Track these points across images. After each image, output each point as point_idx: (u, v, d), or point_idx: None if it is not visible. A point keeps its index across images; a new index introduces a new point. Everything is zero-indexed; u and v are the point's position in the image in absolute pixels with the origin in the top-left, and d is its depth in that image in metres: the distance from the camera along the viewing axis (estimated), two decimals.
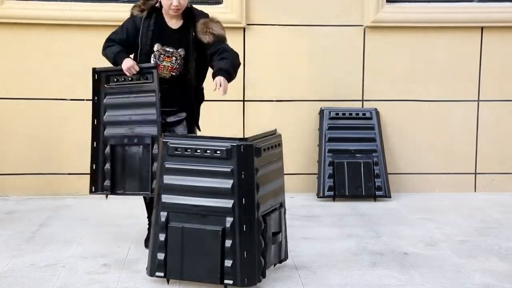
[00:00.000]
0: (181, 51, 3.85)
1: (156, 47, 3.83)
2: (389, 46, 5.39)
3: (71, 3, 5.19)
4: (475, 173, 5.51)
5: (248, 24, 5.28)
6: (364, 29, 5.35)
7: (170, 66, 3.85)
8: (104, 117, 4.07)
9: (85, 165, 5.32)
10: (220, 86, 3.68)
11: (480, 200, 5.27)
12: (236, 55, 3.89)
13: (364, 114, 5.33)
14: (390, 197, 5.17)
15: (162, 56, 3.84)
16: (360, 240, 4.15)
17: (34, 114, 5.23)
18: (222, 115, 5.29)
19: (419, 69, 5.43)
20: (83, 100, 5.25)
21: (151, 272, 3.36)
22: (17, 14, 5.15)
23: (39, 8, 5.16)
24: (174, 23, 3.87)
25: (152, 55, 3.83)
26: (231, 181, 3.21)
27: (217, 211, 3.24)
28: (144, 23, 3.83)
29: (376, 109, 5.35)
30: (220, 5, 5.28)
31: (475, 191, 5.51)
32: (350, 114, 5.33)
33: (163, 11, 3.86)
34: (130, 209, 4.89)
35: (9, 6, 5.16)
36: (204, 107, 5.30)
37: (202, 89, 4.02)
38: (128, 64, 3.77)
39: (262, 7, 5.30)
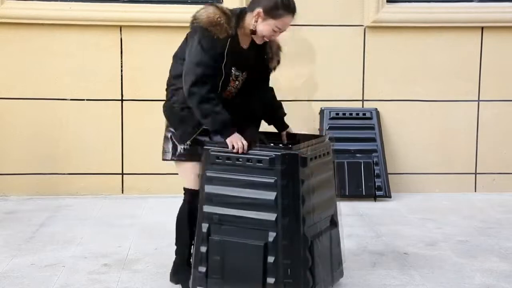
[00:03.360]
0: (245, 74, 3.35)
1: (233, 71, 3.29)
2: (389, 46, 5.39)
3: (71, 3, 5.19)
4: (475, 173, 5.51)
5: None
6: (364, 29, 5.35)
7: (229, 90, 3.32)
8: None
9: (85, 165, 5.35)
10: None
11: (480, 200, 5.27)
12: None
13: (364, 114, 5.33)
14: (390, 197, 5.17)
15: (232, 80, 3.31)
16: (360, 240, 4.15)
17: (34, 114, 5.23)
18: None
19: (419, 69, 5.43)
20: (83, 100, 5.26)
21: (193, 286, 3.18)
22: (17, 14, 5.15)
23: (39, 8, 5.16)
24: (245, 43, 3.34)
25: (232, 76, 3.29)
26: (274, 193, 2.98)
27: (259, 225, 3.02)
28: (229, 47, 3.19)
29: (376, 109, 5.35)
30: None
31: (475, 191, 5.51)
32: (350, 114, 5.33)
33: (240, 31, 3.28)
34: (130, 209, 4.90)
35: (9, 6, 5.16)
36: None
37: None
38: (240, 144, 3.12)
39: None
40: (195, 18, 3.28)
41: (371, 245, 4.10)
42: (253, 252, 3.01)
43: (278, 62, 3.44)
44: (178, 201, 4.78)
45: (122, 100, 5.27)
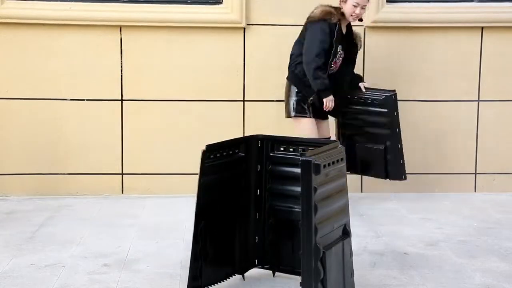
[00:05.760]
0: (342, 53, 4.73)
1: (339, 48, 4.66)
2: (389, 46, 5.39)
3: (71, 3, 5.19)
4: (475, 173, 5.51)
5: (248, 24, 5.28)
6: (364, 29, 5.35)
7: (333, 65, 4.69)
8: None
9: (85, 165, 5.35)
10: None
11: (480, 200, 5.27)
12: None
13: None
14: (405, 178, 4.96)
15: (337, 54, 4.67)
16: (360, 240, 4.15)
17: (34, 114, 5.23)
18: (222, 115, 5.29)
19: (419, 69, 5.43)
20: (83, 100, 5.26)
21: None
22: (17, 14, 5.15)
23: (39, 8, 5.16)
24: (344, 27, 4.73)
25: (337, 54, 4.68)
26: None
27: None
28: (337, 29, 4.57)
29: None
30: (220, 5, 5.28)
31: (475, 191, 5.51)
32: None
33: (340, 18, 4.63)
34: (130, 209, 4.90)
35: (9, 6, 5.16)
36: (204, 107, 5.34)
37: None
38: (330, 102, 4.64)
39: (262, 7, 5.30)
40: (310, 16, 4.71)
41: (371, 245, 4.10)
42: None
43: (361, 46, 4.88)
44: (178, 201, 4.80)
45: (122, 100, 5.27)
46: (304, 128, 4.66)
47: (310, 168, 2.82)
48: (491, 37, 5.42)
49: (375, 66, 5.39)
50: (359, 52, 4.92)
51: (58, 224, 4.53)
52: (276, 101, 5.33)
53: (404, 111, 5.43)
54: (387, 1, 5.36)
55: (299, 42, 4.74)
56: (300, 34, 4.76)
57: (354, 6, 4.57)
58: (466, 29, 5.40)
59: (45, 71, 5.21)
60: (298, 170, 2.85)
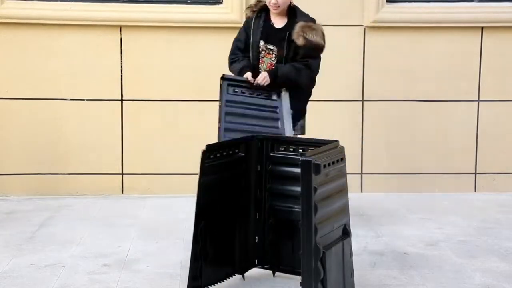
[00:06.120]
0: (280, 50, 4.16)
1: (261, 43, 4.21)
2: (389, 46, 5.39)
3: (71, 3, 5.19)
4: (475, 173, 5.51)
5: None
6: (364, 29, 5.35)
7: (269, 62, 4.21)
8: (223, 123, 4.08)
9: (85, 165, 5.35)
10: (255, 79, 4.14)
11: (480, 200, 5.27)
12: (308, 74, 4.19)
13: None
14: None
15: (263, 52, 4.22)
16: (360, 240, 4.15)
17: (34, 114, 5.23)
18: None
19: (419, 69, 5.43)
20: (83, 100, 5.26)
21: None
22: (17, 14, 5.15)
23: (39, 8, 5.16)
24: (278, 23, 4.23)
25: (260, 49, 4.22)
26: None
27: None
28: (254, 22, 4.22)
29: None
30: (220, 5, 5.28)
31: (475, 191, 5.51)
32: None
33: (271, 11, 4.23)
34: (130, 209, 4.90)
35: (9, 6, 5.16)
36: (204, 107, 5.33)
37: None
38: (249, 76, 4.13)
39: None
40: None
41: (371, 245, 4.10)
42: None
43: (307, 41, 4.07)
44: (178, 201, 4.79)
45: (122, 100, 5.27)
46: None
47: (310, 168, 2.81)
48: (491, 37, 5.42)
49: (375, 66, 5.39)
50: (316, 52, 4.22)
51: (58, 224, 4.53)
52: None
53: (404, 111, 5.44)
54: (387, 1, 5.36)
55: None
56: None
57: None
58: (466, 29, 5.40)
59: (45, 71, 5.21)
60: (298, 170, 2.85)
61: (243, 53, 4.27)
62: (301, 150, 3.23)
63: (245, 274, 3.47)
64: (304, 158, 2.82)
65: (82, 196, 5.22)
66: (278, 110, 4.12)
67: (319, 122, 5.36)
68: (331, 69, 5.36)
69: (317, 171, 2.83)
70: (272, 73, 4.13)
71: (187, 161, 5.19)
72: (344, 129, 5.35)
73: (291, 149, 3.35)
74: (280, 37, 4.17)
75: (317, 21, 5.32)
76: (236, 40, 4.33)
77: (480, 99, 5.47)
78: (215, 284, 3.32)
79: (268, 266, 3.50)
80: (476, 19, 5.38)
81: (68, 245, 4.04)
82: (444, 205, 5.11)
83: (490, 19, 5.38)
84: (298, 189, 2.86)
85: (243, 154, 3.37)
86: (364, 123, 5.43)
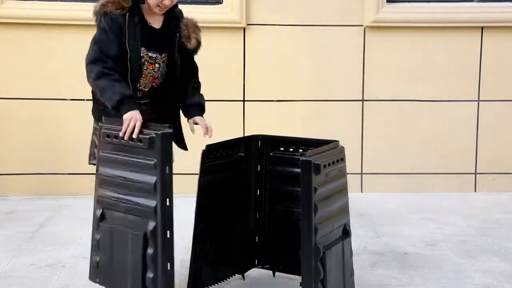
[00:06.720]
0: (164, 57, 3.18)
1: (142, 52, 3.11)
2: (389, 46, 5.39)
3: (71, 3, 5.19)
4: (475, 173, 5.51)
5: (248, 24, 5.28)
6: (364, 29, 5.35)
7: (152, 76, 3.17)
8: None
9: (85, 165, 5.33)
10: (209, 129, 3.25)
11: (480, 200, 5.27)
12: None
13: None
14: None
15: (146, 63, 3.14)
16: (360, 240, 4.15)
17: (34, 114, 5.23)
18: (222, 115, 5.29)
19: (419, 69, 5.43)
20: (83, 100, 5.25)
21: (90, 278, 3.13)
22: (17, 14, 5.15)
23: (39, 8, 5.16)
24: (155, 22, 3.18)
25: (143, 59, 3.12)
26: (154, 177, 2.84)
27: (140, 212, 2.91)
28: (128, 22, 3.06)
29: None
30: (220, 5, 5.28)
31: (475, 191, 5.51)
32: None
33: (142, 8, 3.13)
34: None
35: (9, 6, 5.16)
36: None
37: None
38: (132, 124, 2.91)
39: (262, 7, 5.30)
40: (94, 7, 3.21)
41: (371, 245, 4.10)
42: (134, 242, 2.89)
43: (198, 42, 3.23)
44: (178, 201, 4.74)
45: None
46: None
47: (310, 168, 2.81)
48: (491, 37, 5.42)
49: (375, 66, 5.39)
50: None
51: (58, 224, 4.53)
52: (276, 101, 5.34)
53: (404, 111, 5.44)
54: (387, 1, 5.36)
55: None
56: None
57: None
58: (466, 29, 5.40)
59: (45, 71, 5.21)
60: (298, 170, 2.85)
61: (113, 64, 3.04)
62: (301, 150, 3.23)
63: (245, 274, 3.47)
64: (304, 158, 2.82)
65: (82, 196, 5.22)
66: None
67: (319, 122, 5.37)
68: (331, 69, 5.38)
69: (317, 171, 2.82)
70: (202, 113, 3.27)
71: (187, 161, 5.18)
72: (344, 129, 5.36)
73: (291, 149, 3.35)
74: (162, 41, 3.16)
75: (309, 20, 5.37)
76: (102, 42, 3.10)
77: (480, 99, 5.47)
78: (215, 284, 3.32)
79: (268, 266, 3.50)
80: (476, 19, 5.38)
81: (68, 245, 4.04)
82: (444, 205, 5.11)
83: (490, 19, 5.38)
84: (298, 189, 2.86)
85: (243, 154, 3.37)
86: (364, 123, 5.44)
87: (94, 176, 3.21)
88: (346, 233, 3.13)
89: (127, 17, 3.06)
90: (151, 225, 2.83)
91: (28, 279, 3.50)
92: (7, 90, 5.21)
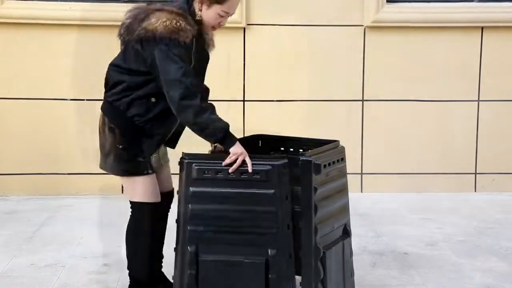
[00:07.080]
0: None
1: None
2: (389, 46, 5.39)
3: (71, 3, 5.19)
4: (475, 173, 5.51)
5: (248, 24, 5.28)
6: (364, 29, 5.35)
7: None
8: None
9: (85, 165, 5.34)
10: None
11: (480, 200, 5.27)
12: None
13: None
14: None
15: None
16: (360, 240, 4.15)
17: (34, 114, 5.23)
18: (222, 115, 5.27)
19: (419, 69, 5.43)
20: (83, 100, 5.26)
21: None
22: (17, 14, 5.15)
23: (39, 8, 5.16)
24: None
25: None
26: (273, 207, 2.84)
27: (258, 241, 2.88)
28: (195, 48, 2.96)
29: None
30: None
31: (475, 191, 5.51)
32: None
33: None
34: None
35: (9, 6, 5.16)
36: None
37: None
38: (241, 159, 2.84)
39: (262, 7, 5.29)
40: (147, 30, 2.88)
41: (371, 245, 4.10)
42: (253, 270, 2.82)
43: (213, 46, 3.20)
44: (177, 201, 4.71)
45: None
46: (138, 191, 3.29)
47: (310, 168, 2.81)
48: (491, 37, 5.41)
49: (375, 66, 5.39)
50: None
51: (58, 224, 4.53)
52: (276, 101, 5.34)
53: (404, 111, 5.44)
54: (387, 1, 5.36)
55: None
56: (123, 52, 3.26)
57: (222, 16, 2.99)
58: (466, 29, 5.40)
59: (45, 71, 5.21)
60: (298, 170, 2.85)
61: None
62: (301, 150, 3.22)
63: None
64: (304, 158, 2.82)
65: (82, 196, 5.22)
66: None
67: (319, 122, 5.37)
68: (331, 69, 5.38)
69: (318, 171, 2.82)
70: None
71: None
72: (344, 129, 5.36)
73: (291, 149, 3.34)
74: (207, 55, 3.15)
75: (309, 20, 5.36)
76: (185, 72, 2.85)
77: (480, 99, 5.47)
78: None
79: None
80: (476, 19, 5.38)
81: (68, 245, 4.04)
82: (444, 205, 5.11)
83: (490, 19, 5.38)
84: (298, 189, 2.86)
85: None
86: (364, 123, 5.44)
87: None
88: (346, 233, 3.13)
89: (193, 41, 2.92)
90: (272, 252, 2.82)
91: (28, 279, 3.50)
92: (7, 90, 5.21)
